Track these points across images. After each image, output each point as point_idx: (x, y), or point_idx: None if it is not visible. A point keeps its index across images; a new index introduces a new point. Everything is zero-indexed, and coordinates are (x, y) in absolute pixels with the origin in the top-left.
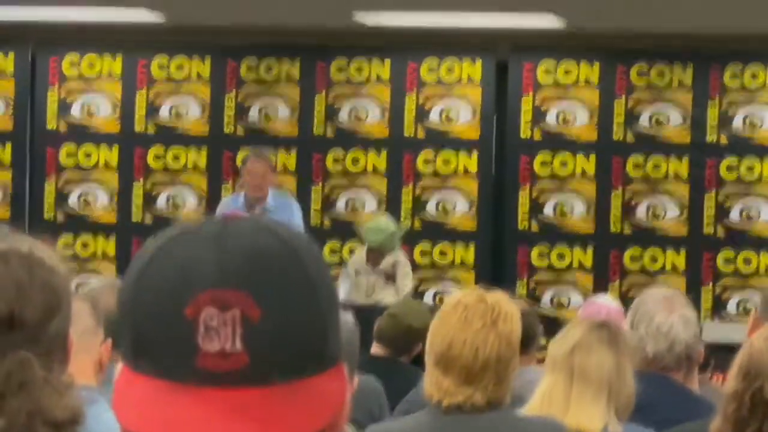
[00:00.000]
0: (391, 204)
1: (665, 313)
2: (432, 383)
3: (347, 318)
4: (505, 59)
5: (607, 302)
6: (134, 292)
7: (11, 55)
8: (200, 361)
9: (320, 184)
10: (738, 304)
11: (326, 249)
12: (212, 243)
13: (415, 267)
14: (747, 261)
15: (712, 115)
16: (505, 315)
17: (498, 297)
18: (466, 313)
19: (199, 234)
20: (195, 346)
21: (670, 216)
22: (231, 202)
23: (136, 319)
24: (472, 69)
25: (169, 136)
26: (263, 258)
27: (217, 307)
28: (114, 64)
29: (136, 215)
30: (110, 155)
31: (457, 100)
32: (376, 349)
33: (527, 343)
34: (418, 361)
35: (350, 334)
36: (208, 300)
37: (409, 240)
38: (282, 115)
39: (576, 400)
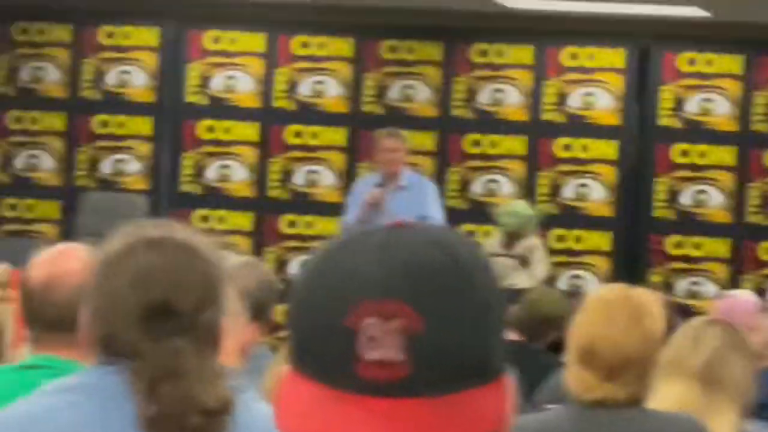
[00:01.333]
0: (528, 188)
1: None
2: (573, 378)
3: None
4: (647, 47)
5: (745, 296)
6: (301, 299)
7: (155, 29)
8: (361, 370)
9: (458, 166)
10: None
11: (462, 231)
12: (377, 253)
13: (550, 252)
14: None
15: None
16: (650, 314)
17: (643, 294)
18: (609, 309)
19: (365, 243)
20: (356, 354)
21: None
22: (368, 180)
23: (302, 325)
24: (614, 56)
25: (308, 113)
26: (426, 270)
27: (379, 316)
28: (256, 41)
29: (273, 191)
30: (250, 131)
31: (597, 87)
32: (510, 334)
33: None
34: (552, 348)
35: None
36: (370, 309)
37: (545, 225)
38: (422, 97)
39: (714, 411)
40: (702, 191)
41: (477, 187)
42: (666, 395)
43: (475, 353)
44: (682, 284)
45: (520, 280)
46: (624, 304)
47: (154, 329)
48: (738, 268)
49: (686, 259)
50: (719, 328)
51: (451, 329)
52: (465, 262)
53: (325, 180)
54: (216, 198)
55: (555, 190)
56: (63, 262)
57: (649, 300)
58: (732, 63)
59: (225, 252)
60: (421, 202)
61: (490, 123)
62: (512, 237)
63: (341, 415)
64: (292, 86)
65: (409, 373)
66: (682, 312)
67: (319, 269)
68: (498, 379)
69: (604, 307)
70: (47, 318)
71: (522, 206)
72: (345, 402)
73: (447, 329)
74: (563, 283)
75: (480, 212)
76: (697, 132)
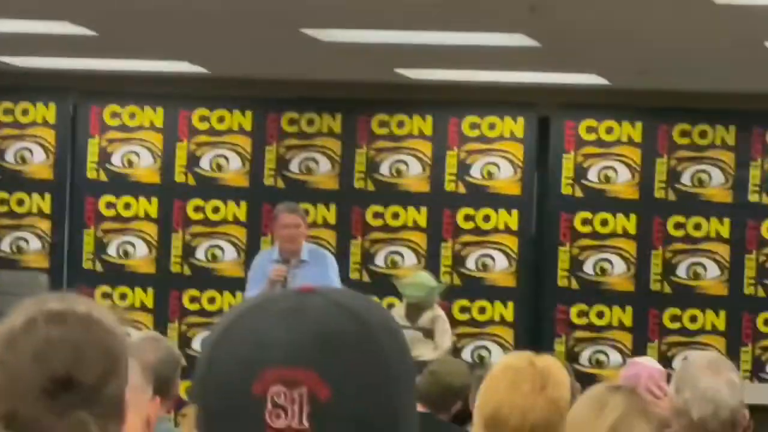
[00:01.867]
0: (431, 259)
1: (711, 377)
2: None
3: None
4: (547, 116)
5: (650, 363)
6: (206, 366)
7: (52, 105)
8: None
9: (360, 238)
10: None
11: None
12: (284, 319)
13: (453, 323)
14: None
15: (754, 175)
16: (555, 381)
17: (548, 362)
18: (515, 377)
19: (272, 309)
20: (262, 422)
21: (711, 276)
22: (267, 255)
23: (208, 394)
24: (514, 125)
25: (209, 187)
26: (334, 337)
27: (285, 384)
28: (155, 116)
29: (175, 266)
30: (150, 206)
31: (498, 157)
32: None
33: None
34: (457, 419)
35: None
36: (276, 377)
37: (449, 296)
38: (323, 169)
39: None
40: (605, 259)
41: (379, 259)
42: None
43: (382, 421)
44: (586, 353)
45: (424, 351)
46: (528, 371)
47: (57, 404)
48: (642, 336)
49: (590, 327)
50: (622, 395)
51: (358, 396)
52: (373, 329)
53: (226, 255)
54: (118, 274)
55: (458, 260)
56: None
57: (554, 367)
58: (632, 130)
59: (127, 326)
60: (322, 274)
61: (392, 194)
62: (416, 309)
63: None
64: (193, 160)
65: None
66: (587, 381)
67: (225, 335)
68: None
69: (509, 374)
70: None
71: (425, 278)
72: None
73: (353, 396)
74: (468, 354)
75: (383, 284)
76: (598, 200)
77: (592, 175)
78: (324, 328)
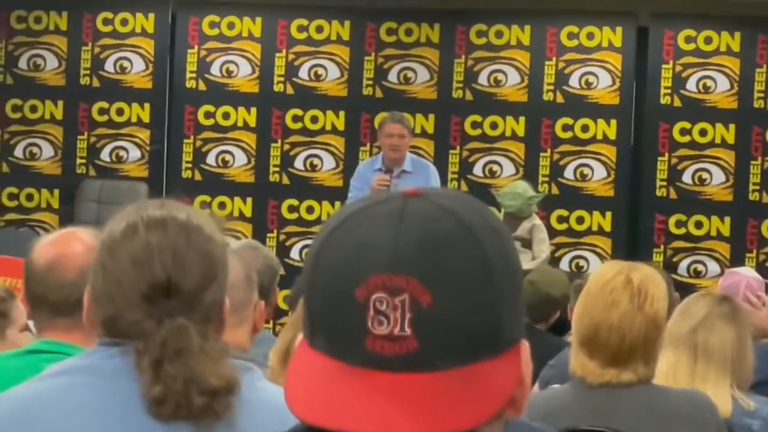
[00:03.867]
0: (529, 169)
1: None
2: (579, 364)
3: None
4: (645, 26)
5: (748, 273)
6: (312, 270)
7: (151, 15)
8: (369, 343)
9: (458, 148)
10: None
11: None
12: (389, 223)
13: (551, 233)
14: None
15: None
16: (652, 296)
17: (645, 275)
18: (612, 296)
19: (378, 212)
20: (365, 328)
21: None
22: (368, 165)
23: (313, 297)
24: (613, 35)
25: (307, 97)
26: (438, 242)
27: (387, 291)
28: (253, 25)
29: (274, 176)
30: (248, 116)
31: (596, 67)
32: None
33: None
34: (556, 329)
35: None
36: (379, 284)
37: (546, 206)
38: (421, 79)
39: (701, 378)
40: (703, 169)
41: (478, 169)
42: (658, 366)
43: (485, 326)
44: (684, 263)
45: (522, 261)
46: (626, 289)
47: (157, 309)
48: (741, 246)
49: (689, 237)
50: (709, 299)
51: (459, 303)
52: (478, 233)
53: (325, 164)
54: (216, 183)
55: (556, 170)
56: (66, 244)
57: (650, 280)
58: (731, 40)
59: (227, 234)
60: (425, 185)
61: (490, 104)
62: (514, 218)
63: (349, 389)
64: (291, 70)
65: (417, 348)
66: (685, 290)
67: (331, 238)
68: (512, 349)
69: (606, 293)
70: (51, 302)
71: (523, 187)
72: (353, 376)
73: (455, 303)
74: (566, 264)
75: (481, 194)
76: (697, 110)
77: (691, 85)
78: (427, 233)
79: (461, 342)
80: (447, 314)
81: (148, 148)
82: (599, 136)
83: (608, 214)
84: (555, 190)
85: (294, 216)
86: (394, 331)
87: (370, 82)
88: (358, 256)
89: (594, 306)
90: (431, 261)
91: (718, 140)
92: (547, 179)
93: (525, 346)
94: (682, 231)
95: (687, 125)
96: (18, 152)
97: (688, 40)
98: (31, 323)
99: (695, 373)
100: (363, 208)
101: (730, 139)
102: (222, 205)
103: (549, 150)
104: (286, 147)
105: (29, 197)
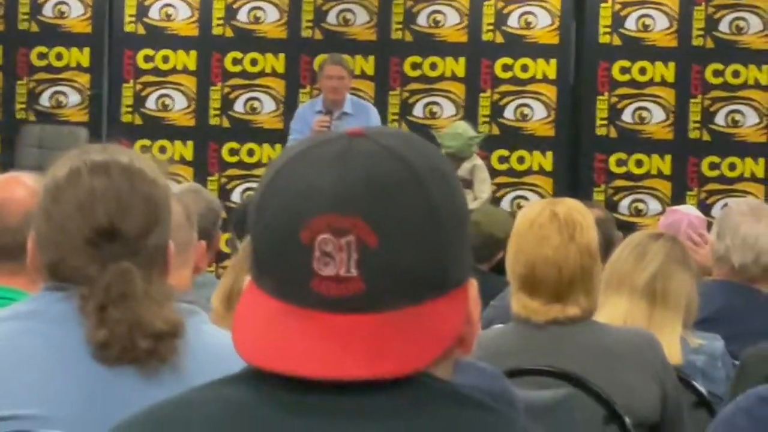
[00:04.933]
0: (469, 110)
1: (752, 223)
2: (520, 304)
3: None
4: None
5: (690, 211)
6: (256, 213)
7: None
8: (315, 285)
9: (398, 89)
10: None
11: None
12: (332, 165)
13: (492, 173)
14: None
15: None
16: (581, 226)
17: (570, 207)
18: (541, 231)
19: (321, 153)
20: (311, 270)
21: (750, 123)
22: (309, 107)
23: (258, 240)
24: None
25: (247, 39)
26: (383, 183)
27: (333, 232)
28: None
29: (214, 119)
30: (188, 59)
31: (536, 6)
32: None
33: (607, 250)
34: (498, 269)
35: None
36: (324, 225)
37: (487, 146)
38: (360, 20)
39: (657, 325)
40: (643, 108)
41: (418, 110)
42: (612, 311)
43: (431, 266)
44: (625, 202)
45: None
46: (553, 222)
47: (101, 253)
48: (682, 185)
49: (629, 176)
50: (663, 243)
51: (406, 243)
52: (423, 173)
53: (265, 107)
54: (157, 127)
55: (496, 110)
56: (9, 189)
57: (577, 212)
58: None
59: (169, 176)
60: (366, 126)
61: (430, 45)
62: (454, 159)
63: (296, 331)
64: (230, 13)
65: (364, 289)
66: (627, 229)
67: (274, 181)
68: (459, 288)
69: (534, 229)
70: None
71: (463, 128)
72: (301, 317)
73: (401, 243)
74: (507, 204)
75: (421, 135)
76: (637, 49)
77: (630, 24)
78: (372, 174)
79: (408, 283)
80: (393, 255)
81: (88, 93)
82: (539, 76)
83: (549, 154)
84: (495, 131)
85: (235, 159)
86: (340, 273)
87: (310, 24)
88: (303, 198)
89: (525, 244)
90: (377, 202)
91: (657, 78)
92: (487, 119)
93: (473, 284)
94: (623, 170)
95: (626, 64)
96: None
97: None
98: None
99: (652, 320)
100: (306, 150)
101: (670, 77)
102: (162, 149)
103: (489, 90)
104: (226, 90)
105: None
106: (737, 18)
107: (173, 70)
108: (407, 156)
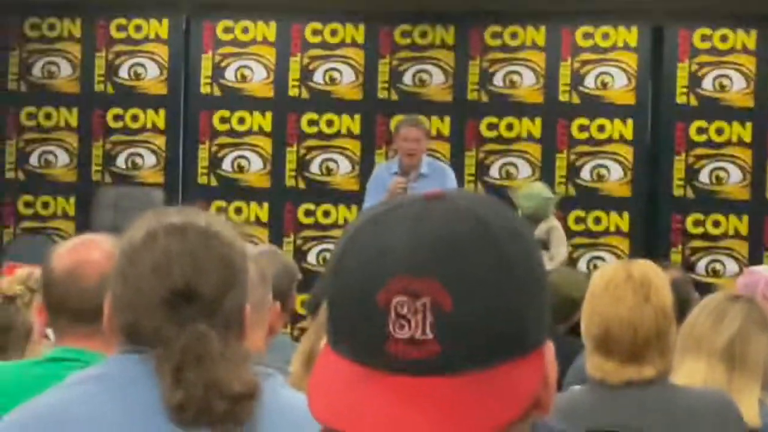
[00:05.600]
0: (546, 170)
1: None
2: (594, 366)
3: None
4: (660, 25)
5: (767, 272)
6: (333, 274)
7: (165, 20)
8: (391, 347)
9: (474, 150)
10: None
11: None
12: (408, 226)
13: (569, 234)
14: None
15: None
16: (656, 287)
17: (645, 268)
18: (617, 292)
19: (398, 216)
20: (386, 332)
21: None
22: (385, 169)
23: (335, 302)
24: (628, 34)
25: (323, 101)
26: (457, 243)
27: (408, 294)
28: (268, 30)
29: (290, 180)
30: (264, 120)
31: (612, 67)
32: None
33: (684, 310)
34: (575, 331)
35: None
36: (399, 288)
37: (564, 207)
38: (436, 81)
39: (736, 389)
40: (720, 168)
41: (494, 171)
42: (689, 374)
43: (507, 327)
44: (702, 262)
45: None
46: (629, 283)
47: (177, 315)
48: (759, 244)
49: (706, 237)
50: (741, 305)
51: (481, 304)
52: (496, 232)
53: (341, 168)
54: (232, 189)
55: (572, 171)
56: (86, 251)
57: (652, 272)
58: (746, 38)
59: (245, 238)
60: (442, 189)
61: (506, 106)
62: (531, 220)
63: (371, 394)
64: (306, 74)
65: (439, 351)
66: (704, 290)
67: (352, 242)
68: (536, 350)
69: (610, 289)
70: (71, 308)
71: (540, 188)
72: (376, 380)
73: (476, 305)
74: (583, 265)
75: (497, 196)
76: (713, 109)
77: (707, 84)
78: (446, 234)
79: (484, 344)
80: (469, 317)
81: (163, 155)
82: (615, 136)
83: (625, 215)
84: (572, 191)
85: (310, 220)
86: (416, 335)
87: (386, 85)
88: (379, 260)
89: (600, 305)
90: (451, 262)
91: (734, 138)
92: (563, 180)
93: (549, 346)
94: (700, 230)
95: (703, 124)
96: (33, 160)
97: (704, 38)
98: (49, 331)
99: (731, 384)
100: (384, 212)
101: (747, 137)
102: (238, 211)
103: (565, 151)
104: (302, 151)
105: (45, 205)
106: None
107: (249, 132)
108: (483, 216)
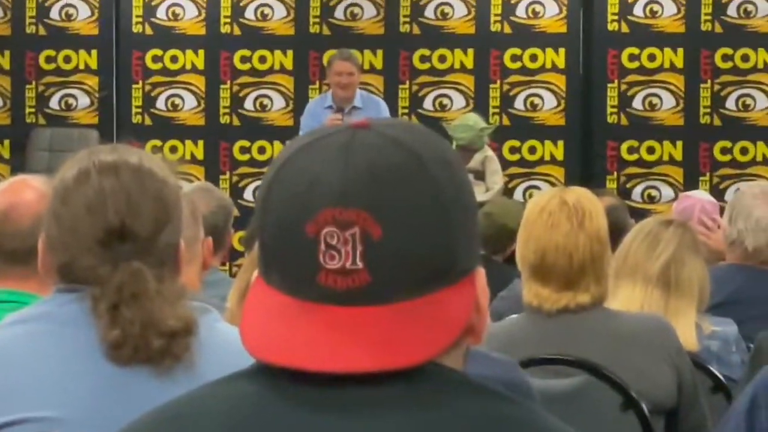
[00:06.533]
0: (479, 101)
1: (764, 207)
2: (531, 293)
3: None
4: None
5: (702, 196)
6: (263, 206)
7: None
8: (321, 278)
9: (407, 82)
10: None
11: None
12: (338, 156)
13: (504, 164)
14: None
15: None
16: (590, 213)
17: (579, 194)
18: (551, 219)
19: (326, 145)
20: (317, 263)
21: (760, 107)
22: (319, 102)
23: (265, 234)
24: None
25: (255, 37)
26: (386, 173)
27: (337, 225)
28: None
29: (224, 117)
30: (197, 59)
31: None
32: None
33: (618, 236)
34: (511, 260)
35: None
36: (329, 218)
37: (498, 137)
38: (368, 14)
39: (673, 313)
40: (653, 95)
41: (428, 103)
42: (626, 300)
43: (437, 256)
44: (638, 189)
45: (476, 193)
46: (563, 210)
47: (112, 253)
48: (694, 170)
49: (641, 163)
50: (674, 229)
51: (411, 233)
52: (427, 162)
53: (275, 104)
54: (167, 128)
55: (506, 101)
56: (18, 193)
57: (585, 198)
58: None
59: (179, 177)
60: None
61: (438, 37)
62: (466, 151)
63: (304, 325)
64: (237, 11)
65: (369, 281)
66: (640, 216)
67: (280, 173)
68: (467, 276)
69: (544, 216)
70: (6, 250)
71: (474, 119)
72: (308, 311)
73: (406, 235)
74: (519, 194)
75: (432, 128)
76: (645, 35)
77: (638, 11)
78: (375, 164)
79: (415, 273)
80: (399, 246)
81: (97, 95)
82: (548, 66)
83: (560, 143)
84: (506, 121)
85: (246, 157)
86: (346, 265)
87: (317, 20)
88: (307, 191)
89: (535, 231)
90: (380, 193)
91: (666, 65)
92: (497, 110)
93: (480, 273)
94: (635, 157)
95: (635, 51)
96: None
97: None
98: None
99: (667, 308)
100: (311, 142)
101: (679, 63)
102: (173, 149)
103: (498, 81)
104: (236, 88)
105: None
106: (745, 1)
107: (182, 70)
108: (411, 145)
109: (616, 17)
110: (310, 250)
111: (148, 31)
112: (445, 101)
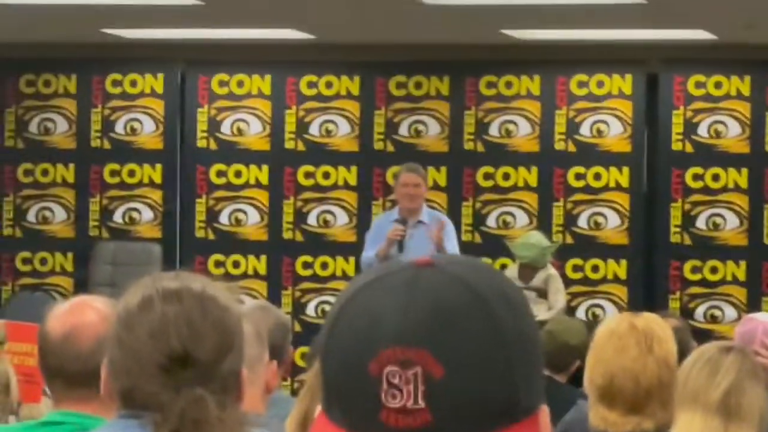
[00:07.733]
0: (543, 219)
1: None
2: (598, 417)
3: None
4: (655, 72)
5: (766, 318)
6: (326, 343)
7: (160, 75)
8: (383, 416)
9: (471, 200)
10: None
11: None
12: (401, 294)
13: (567, 282)
14: None
15: None
16: (659, 338)
17: (649, 320)
18: (621, 342)
19: (389, 284)
20: (379, 401)
21: None
22: (385, 218)
23: (328, 371)
24: (623, 83)
25: (319, 153)
26: (448, 312)
27: (399, 364)
28: (263, 83)
29: (287, 233)
30: (260, 173)
31: (607, 114)
32: None
33: (681, 359)
34: (575, 379)
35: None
36: (390, 357)
37: (561, 255)
38: (432, 132)
39: None
40: (717, 214)
41: (491, 221)
42: (685, 428)
43: (500, 396)
44: (701, 309)
45: (539, 312)
46: (632, 334)
47: (174, 380)
48: (757, 291)
49: (704, 283)
50: (734, 356)
51: (473, 374)
52: (488, 301)
53: (338, 220)
54: (230, 242)
55: (569, 219)
56: (81, 314)
57: (655, 324)
58: (740, 84)
59: (241, 296)
60: (440, 238)
61: (502, 155)
62: (529, 269)
63: None
64: (302, 127)
65: (431, 420)
66: (702, 336)
67: (344, 310)
68: (530, 415)
69: (614, 341)
70: (67, 373)
71: (537, 237)
72: None
73: (468, 374)
74: (582, 313)
75: (495, 245)
76: (709, 155)
77: (702, 130)
78: (437, 303)
79: (476, 413)
80: (460, 386)
81: (160, 209)
82: (612, 184)
83: (623, 262)
84: (569, 240)
85: (308, 272)
86: (408, 405)
87: (381, 137)
88: (370, 329)
89: (604, 355)
90: (442, 332)
91: (730, 185)
92: (560, 228)
93: (544, 411)
94: (698, 277)
95: (699, 170)
96: (31, 216)
97: (698, 85)
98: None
99: None
100: (375, 279)
101: (743, 183)
102: (236, 264)
103: (562, 199)
104: (299, 204)
105: (43, 261)
106: None
107: (246, 185)
108: (473, 283)
109: (680, 137)
110: (373, 388)
111: (213, 145)
112: (509, 219)
